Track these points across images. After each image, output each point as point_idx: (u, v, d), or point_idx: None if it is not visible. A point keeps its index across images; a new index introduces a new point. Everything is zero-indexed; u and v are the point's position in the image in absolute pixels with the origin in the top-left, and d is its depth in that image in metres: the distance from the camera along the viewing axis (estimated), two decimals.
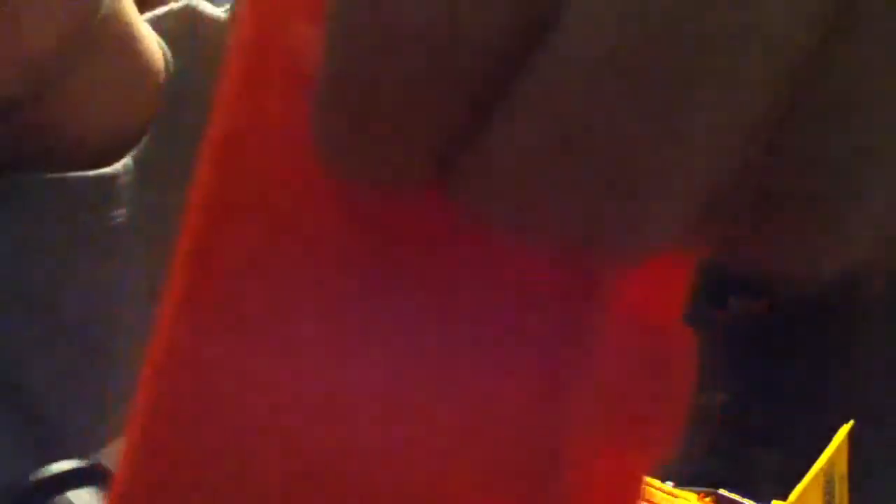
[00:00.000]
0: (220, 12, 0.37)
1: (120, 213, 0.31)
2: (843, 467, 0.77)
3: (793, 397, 2.65)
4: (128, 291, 0.31)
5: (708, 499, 0.95)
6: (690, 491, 0.90)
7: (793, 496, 0.74)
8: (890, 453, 2.03)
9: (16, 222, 0.30)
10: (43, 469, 0.23)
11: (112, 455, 0.29)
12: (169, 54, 0.34)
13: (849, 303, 2.33)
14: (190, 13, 0.35)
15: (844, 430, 0.78)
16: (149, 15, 0.35)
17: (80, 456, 0.28)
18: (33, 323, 0.30)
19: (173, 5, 0.36)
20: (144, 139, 0.32)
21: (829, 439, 0.78)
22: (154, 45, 0.34)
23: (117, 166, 0.31)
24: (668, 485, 0.91)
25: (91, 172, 0.30)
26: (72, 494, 0.23)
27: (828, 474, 0.75)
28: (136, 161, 0.31)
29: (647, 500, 0.85)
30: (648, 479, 0.90)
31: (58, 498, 0.23)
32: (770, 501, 0.85)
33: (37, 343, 0.30)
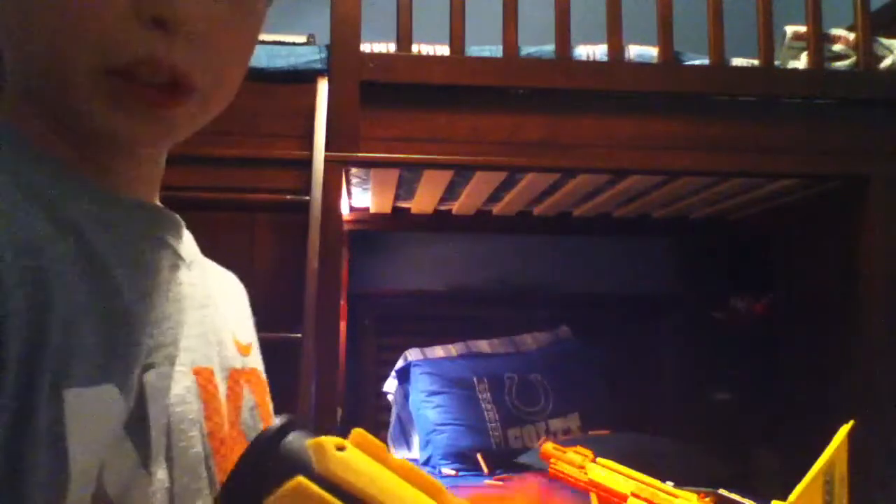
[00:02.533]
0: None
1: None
2: (843, 467, 0.77)
3: (793, 397, 2.63)
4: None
5: (708, 499, 0.95)
6: (690, 491, 0.90)
7: (793, 496, 0.74)
8: (890, 453, 2.02)
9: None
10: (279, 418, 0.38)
11: None
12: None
13: (849, 303, 2.32)
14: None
15: (844, 430, 0.79)
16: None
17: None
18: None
19: None
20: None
21: (829, 439, 0.78)
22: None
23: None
24: (669, 485, 0.91)
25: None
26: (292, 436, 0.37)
27: (828, 474, 0.75)
28: None
29: (648, 501, 0.85)
30: (649, 479, 0.90)
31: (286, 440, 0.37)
32: (770, 501, 0.84)
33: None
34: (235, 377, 0.52)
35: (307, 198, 1.92)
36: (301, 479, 0.34)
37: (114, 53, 0.42)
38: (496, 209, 2.84)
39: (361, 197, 2.67)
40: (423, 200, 2.68)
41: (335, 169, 1.96)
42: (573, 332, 3.13)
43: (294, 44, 2.11)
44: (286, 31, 2.15)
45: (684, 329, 3.02)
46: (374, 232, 3.04)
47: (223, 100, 0.48)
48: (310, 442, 0.36)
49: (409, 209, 2.83)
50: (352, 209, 2.80)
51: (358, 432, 0.39)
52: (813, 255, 2.50)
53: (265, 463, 0.35)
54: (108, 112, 0.43)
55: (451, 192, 2.57)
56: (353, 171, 2.24)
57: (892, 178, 2.13)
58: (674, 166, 2.13)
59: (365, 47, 2.03)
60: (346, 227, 2.63)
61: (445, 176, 2.33)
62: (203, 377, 0.47)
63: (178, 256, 0.49)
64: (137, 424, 0.41)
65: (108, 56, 0.42)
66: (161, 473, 0.43)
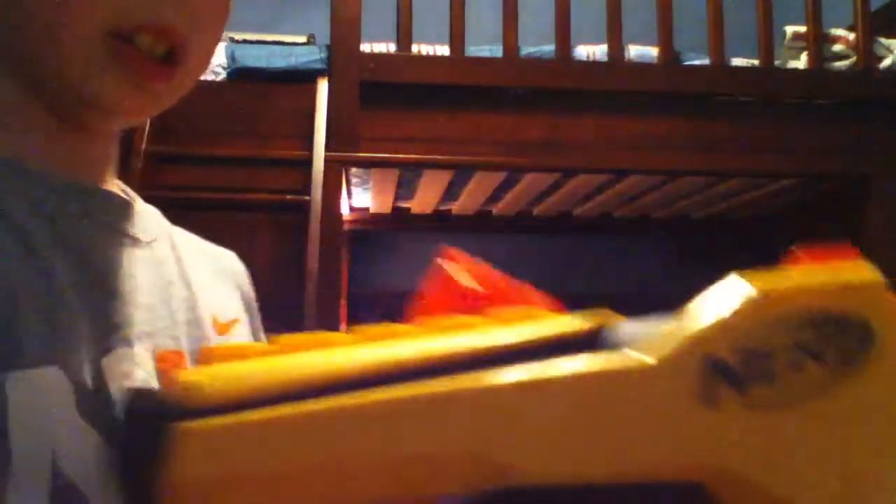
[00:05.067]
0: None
1: None
2: None
3: None
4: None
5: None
6: None
7: None
8: None
9: None
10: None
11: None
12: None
13: None
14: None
15: None
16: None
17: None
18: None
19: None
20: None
21: None
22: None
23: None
24: None
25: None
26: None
27: None
28: None
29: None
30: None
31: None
32: None
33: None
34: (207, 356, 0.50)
35: (307, 198, 1.92)
36: (180, 425, 0.29)
37: (122, 16, 0.42)
38: (496, 209, 2.84)
39: (361, 197, 2.67)
40: (424, 200, 2.68)
41: (335, 169, 1.96)
42: None
43: (294, 44, 2.12)
44: (286, 31, 2.15)
45: None
46: (374, 232, 3.04)
47: (200, 74, 0.48)
48: (158, 392, 0.32)
49: (409, 209, 2.83)
50: (352, 209, 2.80)
51: (204, 350, 0.36)
52: None
53: (140, 444, 0.30)
54: (103, 76, 0.43)
55: (451, 192, 2.57)
56: (353, 171, 2.24)
57: (892, 178, 2.13)
58: (674, 166, 2.13)
59: (365, 47, 2.03)
60: (346, 227, 2.63)
61: (445, 176, 2.33)
62: (171, 361, 0.45)
63: (131, 238, 0.48)
64: (97, 409, 0.40)
65: (116, 18, 0.42)
66: None
